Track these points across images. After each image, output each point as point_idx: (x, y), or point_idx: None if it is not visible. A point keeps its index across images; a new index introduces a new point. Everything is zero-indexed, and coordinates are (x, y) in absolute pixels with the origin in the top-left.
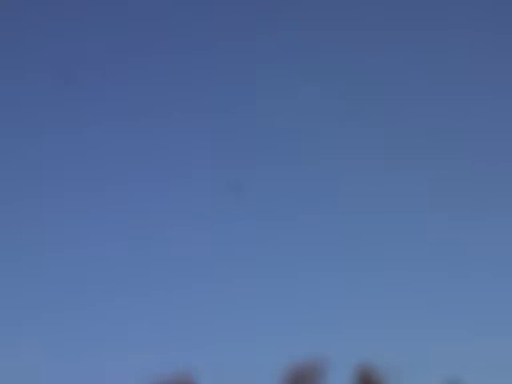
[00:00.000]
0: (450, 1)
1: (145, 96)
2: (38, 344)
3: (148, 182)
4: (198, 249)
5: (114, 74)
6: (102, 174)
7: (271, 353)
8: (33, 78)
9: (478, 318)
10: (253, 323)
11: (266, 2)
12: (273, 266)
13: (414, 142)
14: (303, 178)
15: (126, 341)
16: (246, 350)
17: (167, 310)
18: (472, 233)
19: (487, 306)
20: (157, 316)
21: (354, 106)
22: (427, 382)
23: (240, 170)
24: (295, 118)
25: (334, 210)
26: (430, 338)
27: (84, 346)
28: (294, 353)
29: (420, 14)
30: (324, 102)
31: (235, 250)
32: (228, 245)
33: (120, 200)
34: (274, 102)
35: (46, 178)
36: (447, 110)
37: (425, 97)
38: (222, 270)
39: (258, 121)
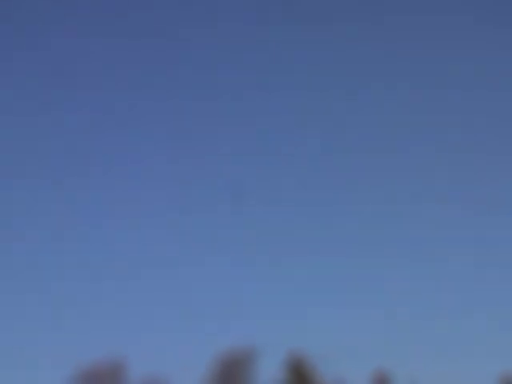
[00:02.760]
0: None
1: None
2: None
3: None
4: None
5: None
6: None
7: (203, 341)
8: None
9: (411, 305)
10: (187, 313)
11: None
12: (204, 256)
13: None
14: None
15: (61, 330)
16: (179, 338)
17: (104, 299)
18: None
19: (417, 295)
20: (93, 306)
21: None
22: (358, 371)
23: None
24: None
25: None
26: (359, 328)
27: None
28: (225, 341)
29: None
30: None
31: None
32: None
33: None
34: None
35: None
36: None
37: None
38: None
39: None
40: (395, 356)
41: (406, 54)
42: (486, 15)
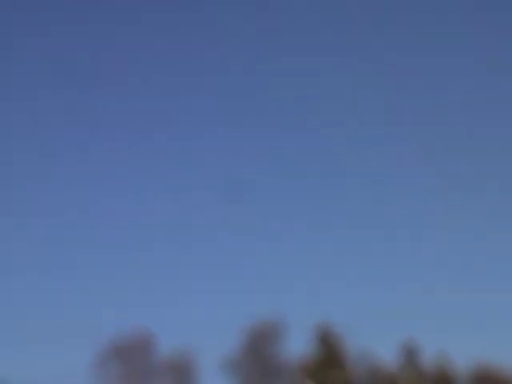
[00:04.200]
0: None
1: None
2: None
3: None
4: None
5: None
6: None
7: (231, 314)
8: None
9: (433, 277)
10: (215, 285)
11: None
12: (239, 229)
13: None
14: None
15: (88, 303)
16: (208, 312)
17: (126, 271)
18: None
19: (447, 267)
20: (118, 279)
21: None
22: (386, 342)
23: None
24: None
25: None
26: (387, 300)
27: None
28: (254, 314)
29: None
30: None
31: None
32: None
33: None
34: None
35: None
36: None
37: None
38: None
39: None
40: (423, 327)
41: None
42: None
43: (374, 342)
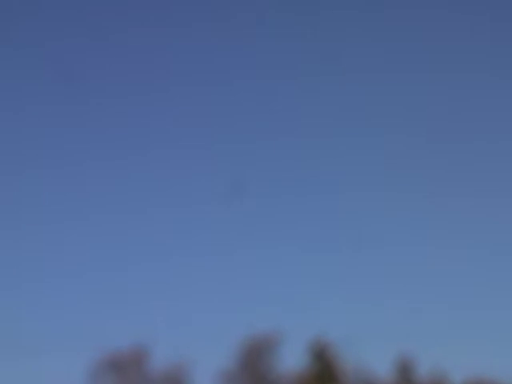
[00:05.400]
0: None
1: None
2: None
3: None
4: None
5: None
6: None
7: (226, 327)
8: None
9: (432, 291)
10: (212, 298)
11: None
12: (235, 246)
13: None
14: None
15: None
16: (202, 325)
17: (123, 286)
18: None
19: (440, 279)
20: (112, 290)
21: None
22: (381, 356)
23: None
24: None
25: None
26: (382, 313)
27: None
28: (250, 325)
29: None
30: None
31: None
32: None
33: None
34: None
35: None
36: None
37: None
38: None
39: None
40: (418, 341)
41: None
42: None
43: (369, 356)
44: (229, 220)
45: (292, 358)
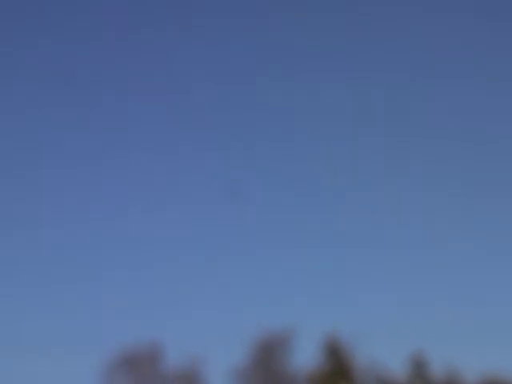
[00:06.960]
0: None
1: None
2: None
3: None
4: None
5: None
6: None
7: (240, 324)
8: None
9: (445, 288)
10: (225, 296)
11: None
12: (243, 243)
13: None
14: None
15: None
16: (216, 322)
17: (137, 284)
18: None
19: (456, 277)
20: (125, 289)
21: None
22: (395, 353)
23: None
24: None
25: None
26: (396, 310)
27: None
28: (263, 322)
29: None
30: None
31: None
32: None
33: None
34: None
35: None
36: None
37: None
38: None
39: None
40: (432, 338)
41: None
42: None
43: (382, 353)
44: (242, 218)
45: (305, 356)
